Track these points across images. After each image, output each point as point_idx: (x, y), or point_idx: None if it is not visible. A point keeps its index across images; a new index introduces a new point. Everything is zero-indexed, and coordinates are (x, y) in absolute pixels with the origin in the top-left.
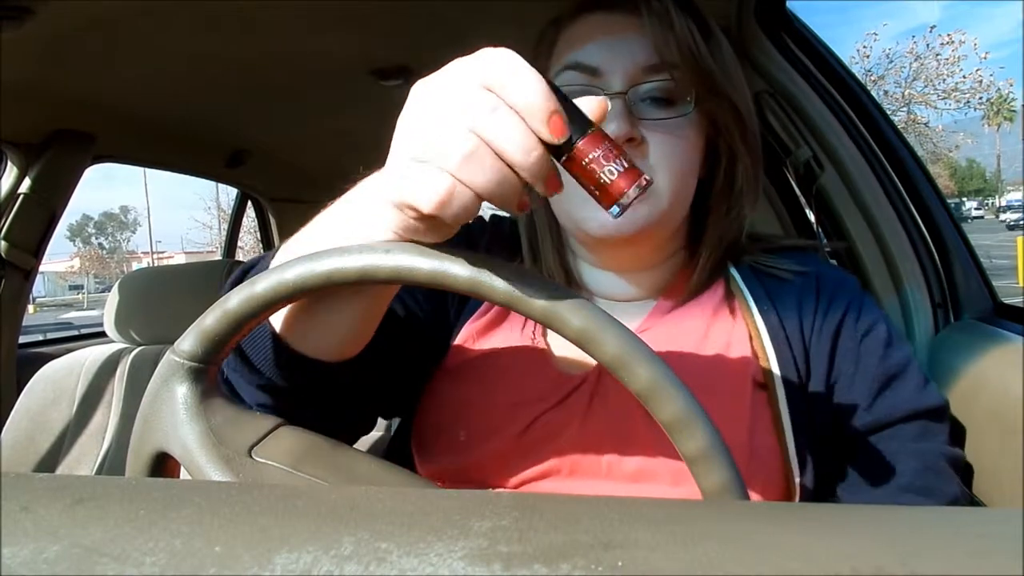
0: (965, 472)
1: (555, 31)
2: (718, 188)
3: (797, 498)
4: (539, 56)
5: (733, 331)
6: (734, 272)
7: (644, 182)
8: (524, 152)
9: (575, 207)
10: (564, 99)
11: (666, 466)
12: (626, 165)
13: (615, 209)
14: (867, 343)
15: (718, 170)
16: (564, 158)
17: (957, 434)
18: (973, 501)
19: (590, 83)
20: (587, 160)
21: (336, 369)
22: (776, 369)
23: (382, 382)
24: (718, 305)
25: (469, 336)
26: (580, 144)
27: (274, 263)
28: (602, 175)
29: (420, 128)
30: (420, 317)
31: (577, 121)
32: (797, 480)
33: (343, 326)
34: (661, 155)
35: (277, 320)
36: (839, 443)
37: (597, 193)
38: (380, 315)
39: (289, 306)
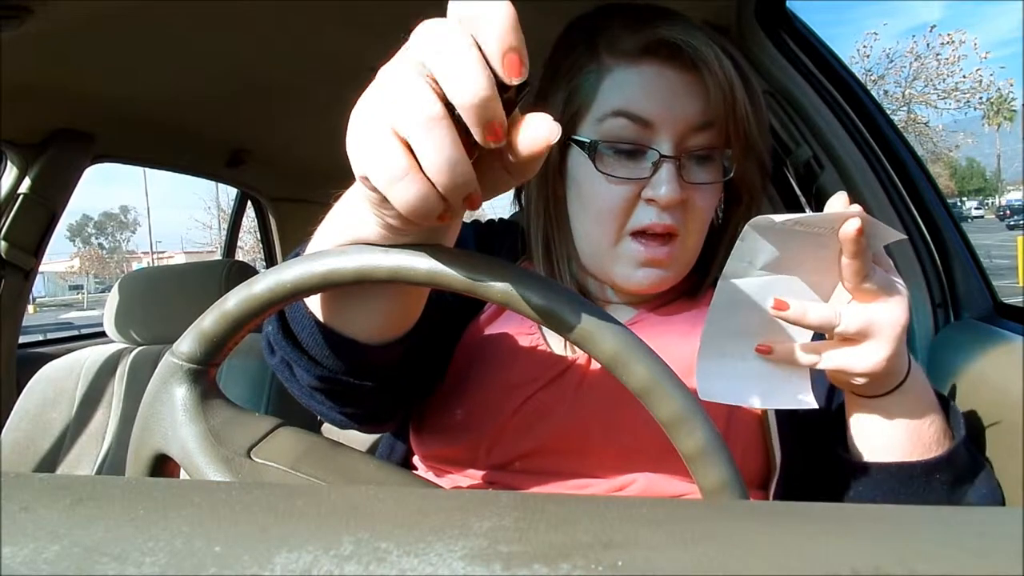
0: None
1: (597, 66)
2: (732, 226)
3: (778, 471)
4: (575, 91)
5: None
6: None
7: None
8: (471, 93)
9: (608, 261)
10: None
11: (651, 445)
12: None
13: None
14: None
15: (735, 209)
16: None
17: None
18: None
19: (640, 135)
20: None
21: (381, 350)
22: None
23: (426, 359)
24: (705, 304)
25: (476, 324)
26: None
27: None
28: None
29: (390, 76)
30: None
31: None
32: (778, 456)
33: (384, 310)
34: (699, 217)
35: (315, 306)
36: (823, 426)
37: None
38: (423, 297)
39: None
